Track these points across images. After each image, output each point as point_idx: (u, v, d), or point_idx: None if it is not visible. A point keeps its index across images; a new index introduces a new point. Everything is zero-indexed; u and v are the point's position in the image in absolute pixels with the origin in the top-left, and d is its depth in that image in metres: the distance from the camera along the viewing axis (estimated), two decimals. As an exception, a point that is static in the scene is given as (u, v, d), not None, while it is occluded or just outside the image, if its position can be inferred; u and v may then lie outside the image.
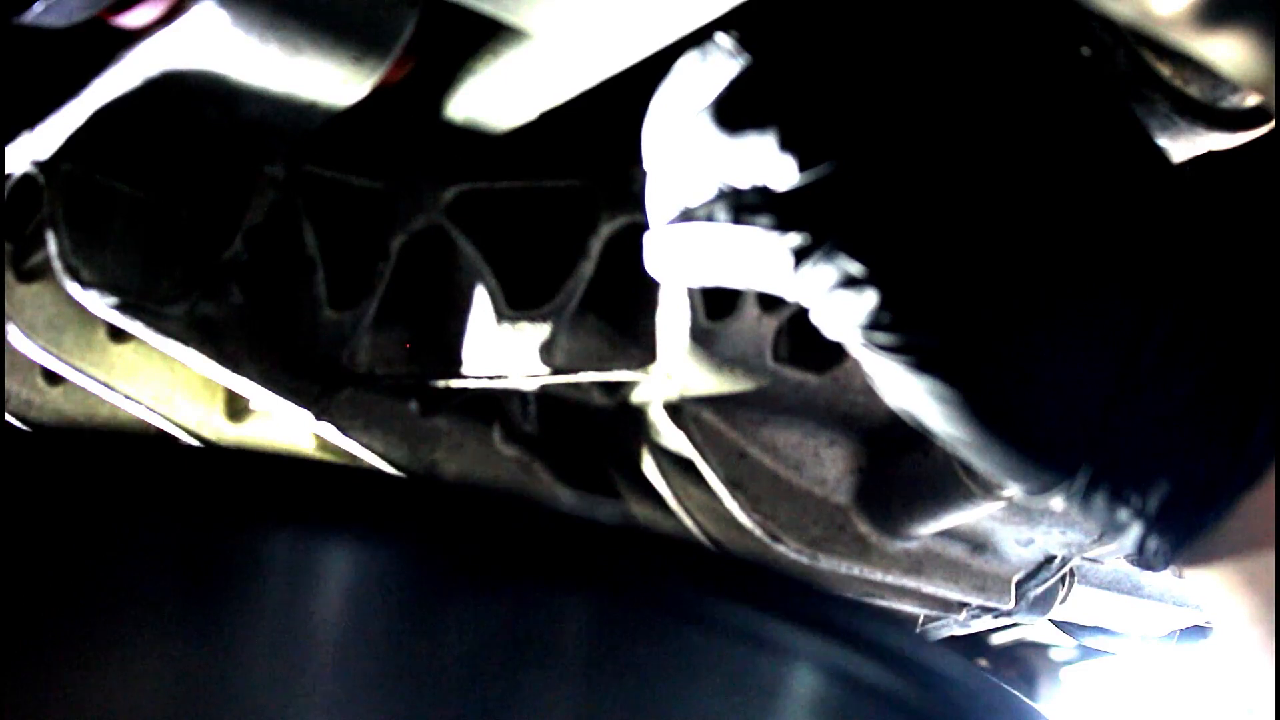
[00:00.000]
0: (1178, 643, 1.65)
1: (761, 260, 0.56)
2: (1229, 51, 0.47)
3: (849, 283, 0.54)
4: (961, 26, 0.57)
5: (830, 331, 0.57)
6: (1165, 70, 0.69)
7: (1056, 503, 0.55)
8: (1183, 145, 0.73)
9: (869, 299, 0.53)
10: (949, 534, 1.05)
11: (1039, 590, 1.15)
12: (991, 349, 0.53)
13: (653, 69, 0.78)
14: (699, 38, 0.73)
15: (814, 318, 0.57)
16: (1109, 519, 0.53)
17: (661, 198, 0.61)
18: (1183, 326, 0.52)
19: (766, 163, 0.55)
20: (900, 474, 0.98)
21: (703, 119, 0.57)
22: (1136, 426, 0.52)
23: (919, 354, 0.53)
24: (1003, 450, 0.54)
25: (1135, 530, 0.53)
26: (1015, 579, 1.12)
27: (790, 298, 0.57)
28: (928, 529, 1.00)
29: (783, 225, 0.54)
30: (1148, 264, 0.53)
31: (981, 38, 0.57)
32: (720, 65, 0.58)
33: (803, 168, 0.54)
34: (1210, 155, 0.74)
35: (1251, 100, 0.71)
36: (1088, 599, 1.36)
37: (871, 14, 0.57)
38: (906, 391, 0.55)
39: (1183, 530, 0.52)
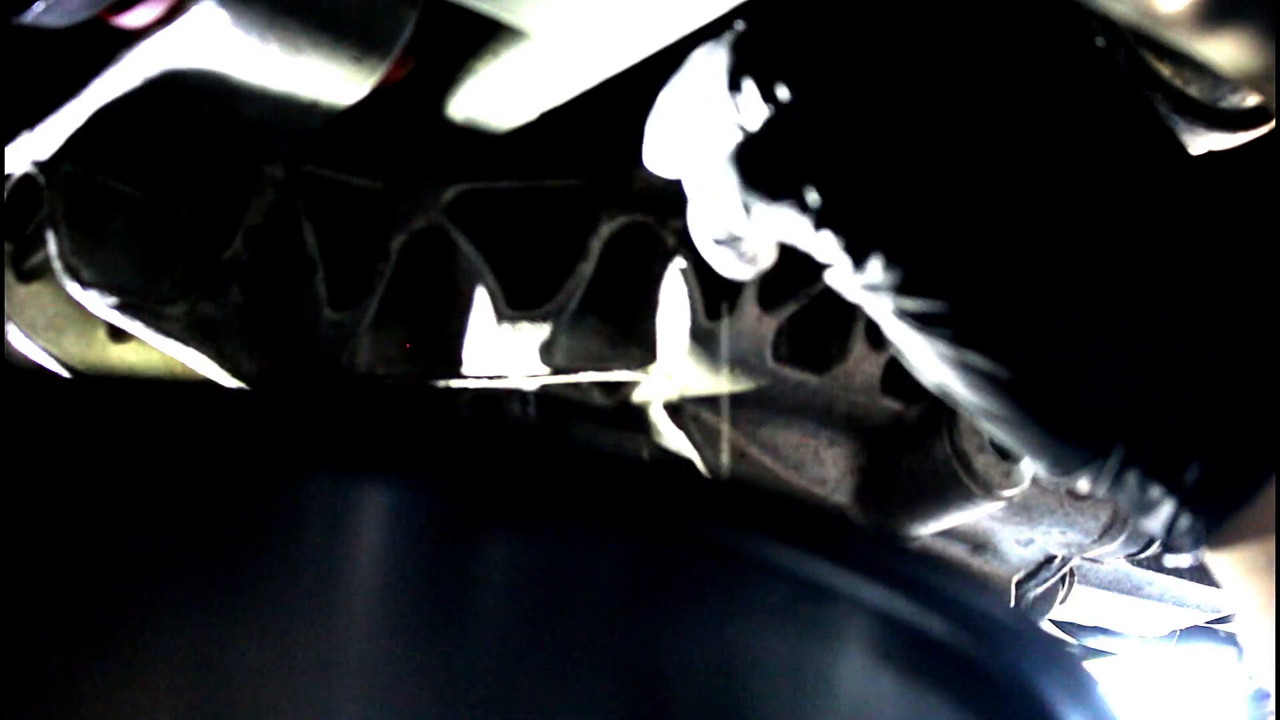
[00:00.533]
0: (1178, 643, 1.65)
1: (783, 220, 0.55)
2: (1229, 51, 0.47)
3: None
4: (981, 7, 0.56)
5: (853, 296, 0.56)
6: (1165, 70, 0.69)
7: (1083, 483, 0.54)
8: (1183, 145, 0.73)
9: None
10: (949, 534, 1.05)
11: (1039, 590, 1.15)
12: (1028, 323, 0.52)
13: (653, 69, 0.78)
14: (699, 38, 0.73)
15: (830, 279, 0.56)
16: (1140, 498, 0.53)
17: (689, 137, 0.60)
18: (1220, 306, 0.52)
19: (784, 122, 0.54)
20: (900, 474, 0.98)
21: (719, 55, 0.56)
22: (1173, 405, 0.51)
23: (953, 326, 0.53)
24: (1036, 428, 0.53)
25: (1167, 509, 0.52)
26: (1015, 579, 1.12)
27: (814, 255, 0.56)
28: (928, 529, 1.00)
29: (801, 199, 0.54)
30: (1185, 243, 0.53)
31: (999, 20, 0.56)
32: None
33: (827, 147, 0.53)
34: (1210, 155, 0.74)
35: (1251, 100, 0.71)
36: (1088, 599, 1.36)
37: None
38: (940, 365, 0.54)
39: (1217, 509, 0.51)
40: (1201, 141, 0.73)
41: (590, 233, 0.90)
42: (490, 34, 0.80)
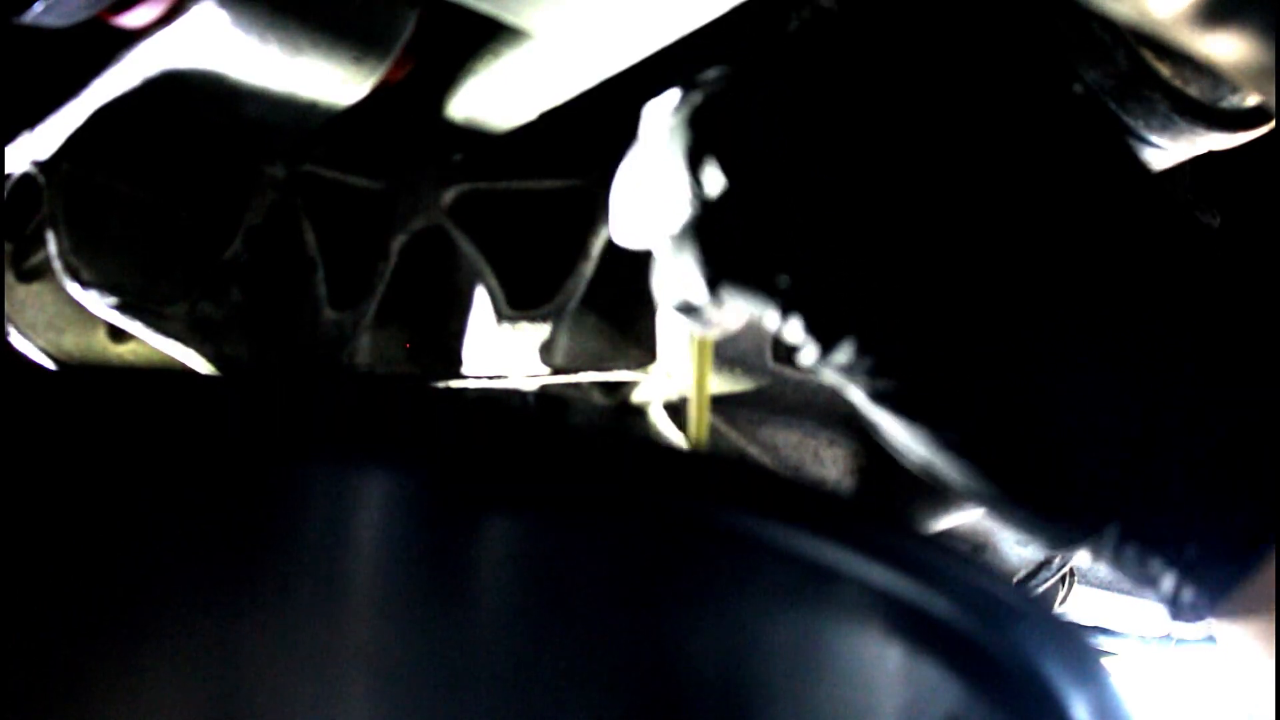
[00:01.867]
0: (1178, 643, 1.65)
1: (750, 302, 0.53)
2: (1229, 50, 0.47)
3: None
4: (946, 51, 0.55)
5: (826, 379, 0.54)
6: (1165, 70, 0.69)
7: (1082, 556, 0.53)
8: (1183, 145, 0.73)
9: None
10: (949, 534, 1.05)
11: (1039, 590, 1.15)
12: (1009, 404, 0.51)
13: (653, 69, 0.78)
14: (699, 38, 0.73)
15: (801, 361, 0.54)
16: (1140, 571, 0.51)
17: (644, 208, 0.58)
18: (1209, 372, 0.50)
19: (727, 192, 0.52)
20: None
21: (678, 127, 0.55)
22: (1167, 475, 0.50)
23: (932, 411, 0.51)
24: (1027, 509, 0.52)
25: (1169, 581, 0.51)
26: (1015, 579, 1.12)
27: (782, 337, 0.54)
28: (928, 529, 1.00)
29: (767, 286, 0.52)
30: (1165, 311, 0.51)
31: (966, 59, 0.55)
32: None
33: (793, 228, 0.52)
34: (1210, 155, 0.74)
35: (1251, 100, 0.71)
36: (1088, 599, 1.36)
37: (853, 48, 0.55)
38: (922, 448, 0.53)
39: (1221, 580, 0.50)
40: (1201, 141, 0.73)
41: (590, 233, 0.90)
42: (490, 34, 0.80)
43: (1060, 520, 0.52)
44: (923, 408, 0.52)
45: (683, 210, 0.54)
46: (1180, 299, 0.52)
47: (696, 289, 0.55)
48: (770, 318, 0.53)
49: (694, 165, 0.53)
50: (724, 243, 0.53)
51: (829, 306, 0.52)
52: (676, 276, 0.56)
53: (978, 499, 0.53)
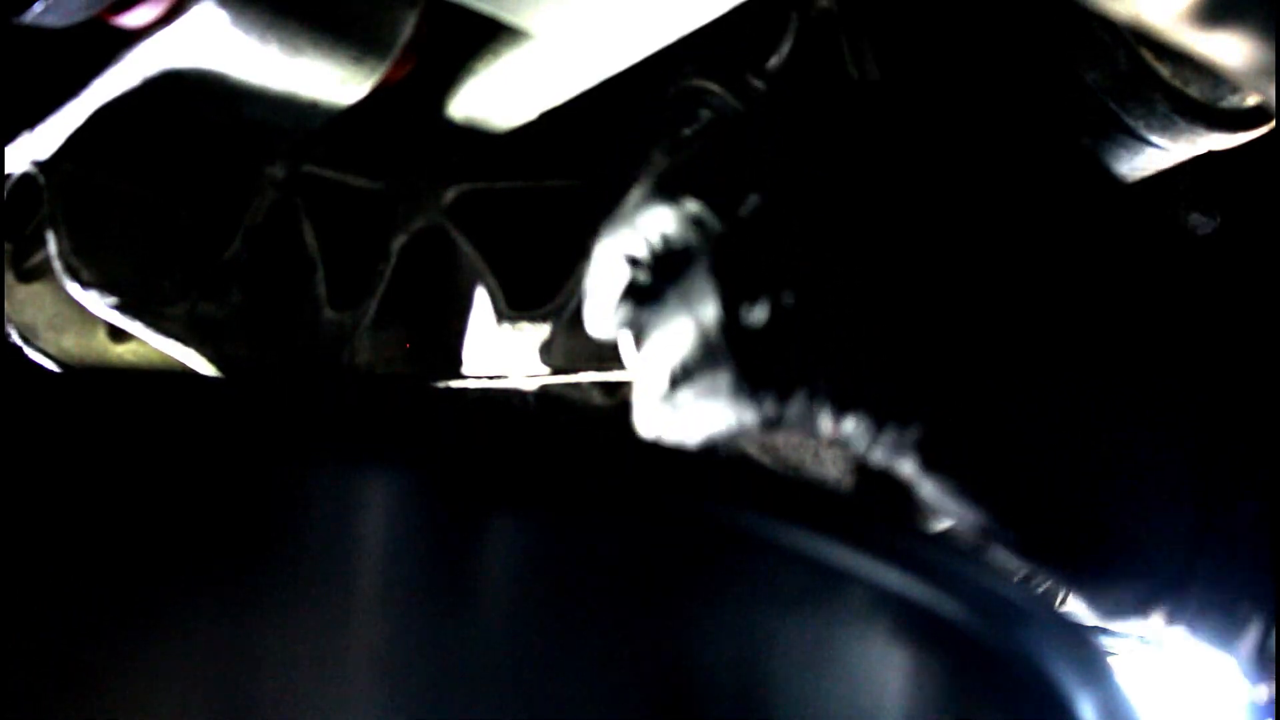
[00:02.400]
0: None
1: (796, 414, 0.52)
2: (1229, 50, 0.47)
3: None
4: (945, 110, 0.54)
5: (875, 462, 0.52)
6: (1165, 70, 0.69)
7: (1156, 622, 0.52)
8: (1183, 145, 0.73)
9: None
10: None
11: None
12: (1070, 488, 0.50)
13: (652, 69, 0.78)
14: (699, 38, 0.73)
15: (847, 447, 0.52)
16: (1225, 623, 0.50)
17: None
18: (1237, 409, 0.50)
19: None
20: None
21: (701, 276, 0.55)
22: (1236, 522, 0.49)
23: (988, 499, 0.50)
24: (1094, 575, 0.51)
25: (1255, 630, 0.49)
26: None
27: (827, 435, 0.53)
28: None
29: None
30: (1182, 358, 0.50)
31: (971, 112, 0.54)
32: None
33: (840, 334, 0.51)
34: (1210, 155, 0.74)
35: (1251, 100, 0.71)
36: (1087, 599, 1.36)
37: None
38: (976, 514, 0.51)
39: None
40: (1201, 141, 0.73)
41: (590, 233, 0.90)
42: (490, 34, 0.80)
43: (1130, 593, 0.50)
44: (980, 497, 0.51)
45: (707, 343, 0.53)
46: (1192, 342, 0.51)
47: (735, 415, 0.53)
48: (822, 422, 0.52)
49: (734, 303, 0.52)
50: (763, 360, 0.52)
51: (884, 397, 0.51)
52: (700, 406, 0.55)
53: (1040, 565, 0.52)
